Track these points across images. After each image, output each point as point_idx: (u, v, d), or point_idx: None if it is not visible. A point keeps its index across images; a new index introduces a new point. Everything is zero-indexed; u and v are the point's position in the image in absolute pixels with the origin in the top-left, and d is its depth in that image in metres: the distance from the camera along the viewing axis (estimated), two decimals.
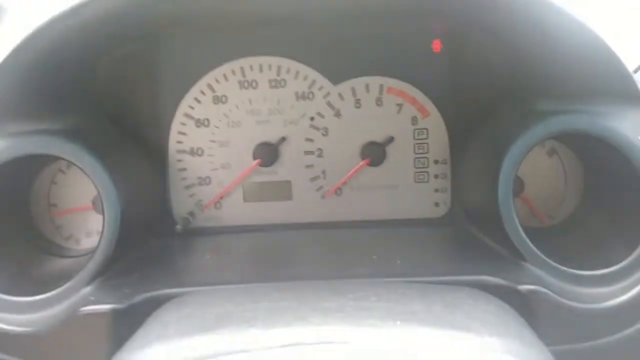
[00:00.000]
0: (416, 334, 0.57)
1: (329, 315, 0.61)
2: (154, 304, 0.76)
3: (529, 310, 0.78)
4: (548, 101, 0.92)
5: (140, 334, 0.65)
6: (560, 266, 0.85)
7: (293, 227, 1.13)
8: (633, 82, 0.87)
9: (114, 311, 0.79)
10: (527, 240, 0.87)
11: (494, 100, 1.06)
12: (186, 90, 1.11)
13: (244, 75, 1.11)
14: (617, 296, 0.82)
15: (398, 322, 0.59)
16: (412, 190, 1.14)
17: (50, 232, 1.08)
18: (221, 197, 1.13)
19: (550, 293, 0.81)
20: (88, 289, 0.85)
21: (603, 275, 0.84)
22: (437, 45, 1.10)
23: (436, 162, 1.13)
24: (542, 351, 0.60)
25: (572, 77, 0.89)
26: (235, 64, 1.11)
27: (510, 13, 0.89)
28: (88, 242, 1.08)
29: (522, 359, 0.56)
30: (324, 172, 1.13)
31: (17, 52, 0.83)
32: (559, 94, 0.91)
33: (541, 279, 0.84)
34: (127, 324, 0.76)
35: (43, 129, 0.90)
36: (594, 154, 1.00)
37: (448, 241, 1.07)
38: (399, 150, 1.13)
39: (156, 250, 1.02)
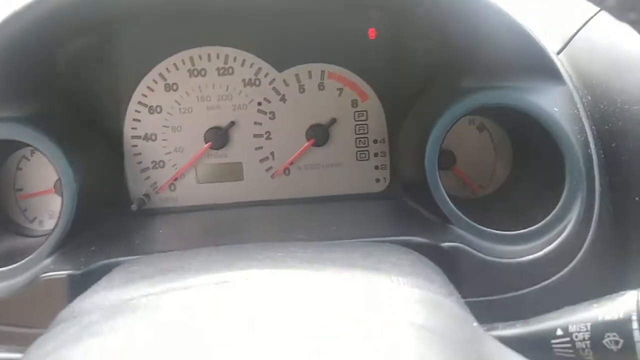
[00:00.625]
0: (327, 273, 0.64)
1: (254, 262, 0.68)
2: (108, 270, 0.83)
3: (451, 267, 0.84)
4: (471, 79, 1.00)
5: (90, 289, 0.73)
6: (481, 227, 0.93)
7: (245, 206, 1.20)
8: (549, 59, 0.95)
9: (71, 276, 0.86)
10: (451, 204, 0.94)
11: (426, 82, 1.14)
12: (140, 79, 1.18)
13: (193, 64, 1.19)
14: (534, 252, 0.90)
15: (315, 265, 0.66)
16: (354, 167, 1.22)
17: (16, 214, 1.15)
18: (175, 179, 1.20)
19: (471, 249, 0.89)
20: (48, 260, 0.92)
21: (521, 235, 0.92)
22: (372, 33, 1.19)
23: (375, 141, 1.21)
24: (446, 285, 0.68)
25: (494, 57, 0.97)
26: (185, 54, 1.18)
27: (437, 2, 0.98)
28: (51, 223, 1.15)
29: (428, 292, 0.63)
30: (272, 153, 1.21)
31: None
32: (482, 73, 0.99)
33: (464, 238, 0.91)
34: (83, 288, 0.82)
35: (7, 116, 0.97)
36: (519, 127, 1.09)
37: (385, 212, 1.15)
38: (341, 131, 1.21)
39: (113, 228, 1.08)
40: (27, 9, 0.90)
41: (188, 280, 0.64)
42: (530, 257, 0.90)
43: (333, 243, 0.84)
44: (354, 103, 1.21)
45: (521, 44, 0.95)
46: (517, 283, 0.90)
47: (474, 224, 0.93)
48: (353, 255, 0.73)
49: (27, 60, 0.99)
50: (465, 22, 0.98)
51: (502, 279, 0.90)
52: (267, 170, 1.21)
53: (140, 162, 1.20)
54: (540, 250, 0.90)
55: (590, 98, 0.95)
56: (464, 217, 0.94)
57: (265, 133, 1.21)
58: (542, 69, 0.95)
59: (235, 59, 1.19)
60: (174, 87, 1.19)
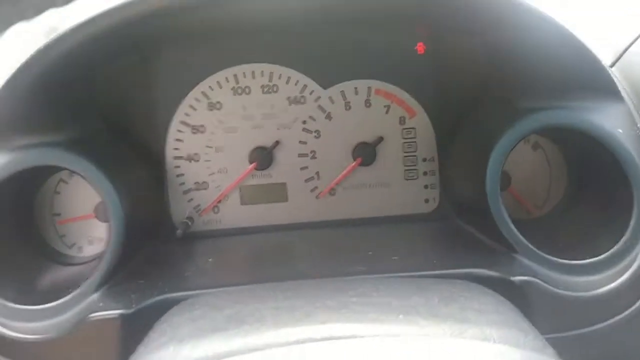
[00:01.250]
0: (418, 325, 0.60)
1: (333, 312, 0.64)
2: (161, 308, 0.79)
3: (522, 301, 0.81)
4: (528, 98, 0.96)
5: (153, 337, 0.68)
6: (550, 256, 0.88)
7: (290, 228, 1.17)
8: (608, 76, 0.90)
9: (122, 316, 0.82)
10: (517, 231, 0.90)
11: (477, 98, 1.10)
12: (182, 98, 1.14)
13: (237, 81, 1.14)
14: (606, 284, 0.86)
15: (400, 316, 0.62)
16: (402, 187, 1.18)
17: (54, 240, 1.10)
18: (219, 201, 1.16)
19: (542, 283, 0.84)
20: (95, 295, 0.88)
21: (592, 264, 0.87)
22: (421, 48, 1.15)
23: (424, 159, 1.17)
24: (538, 338, 0.64)
25: (550, 74, 0.93)
26: (228, 72, 1.14)
27: (487, 15, 0.93)
28: (90, 249, 1.11)
29: (520, 347, 0.59)
30: (317, 173, 1.17)
31: (23, 70, 0.85)
32: (538, 91, 0.95)
33: (532, 269, 0.87)
34: (135, 329, 0.78)
35: (46, 141, 0.93)
36: (576, 146, 1.04)
37: (439, 236, 1.11)
38: (389, 149, 1.17)
39: (158, 256, 1.04)
40: (70, 33, 0.85)
41: (267, 335, 0.60)
42: (603, 289, 0.86)
43: (401, 281, 0.79)
44: (402, 120, 1.16)
45: (579, 59, 0.90)
46: (591, 317, 0.86)
47: (541, 253, 0.89)
48: (433, 300, 0.69)
49: (66, 84, 0.95)
50: (518, 36, 0.93)
51: (575, 313, 0.86)
52: (312, 190, 1.17)
53: (182, 184, 1.16)
54: (613, 281, 0.86)
55: None
56: (530, 245, 0.90)
57: (310, 152, 1.17)
58: (600, 86, 0.91)
59: (280, 76, 1.15)
60: (218, 105, 1.15)
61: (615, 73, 0.93)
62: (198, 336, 0.63)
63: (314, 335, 0.58)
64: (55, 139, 0.94)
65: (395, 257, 0.93)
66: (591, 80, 0.91)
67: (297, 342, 0.58)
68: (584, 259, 0.88)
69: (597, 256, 0.88)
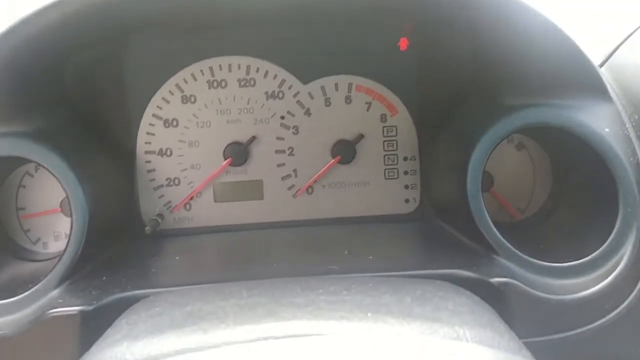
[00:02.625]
0: (387, 325, 0.57)
1: (299, 309, 0.60)
2: (123, 306, 0.75)
3: (502, 303, 0.78)
4: (513, 96, 0.93)
5: (109, 334, 0.65)
6: (531, 258, 0.86)
7: (265, 227, 1.13)
8: (597, 76, 0.88)
9: (82, 313, 0.78)
10: (498, 233, 0.87)
11: (461, 96, 1.07)
12: (154, 90, 1.10)
13: (212, 74, 1.11)
14: (588, 287, 0.83)
15: (369, 314, 0.59)
16: (382, 187, 1.14)
17: (19, 235, 1.06)
18: (191, 198, 1.12)
19: (522, 285, 0.81)
20: (56, 291, 0.84)
21: (574, 267, 0.85)
22: (404, 44, 1.11)
23: (405, 158, 1.14)
24: (514, 340, 0.61)
25: (537, 71, 0.90)
26: (203, 64, 1.10)
27: (472, 10, 0.89)
28: (56, 245, 1.07)
29: (494, 347, 0.56)
30: (295, 170, 1.13)
31: None
32: (525, 89, 0.92)
33: (513, 271, 0.84)
34: (95, 325, 0.75)
35: (11, 131, 0.88)
36: (561, 146, 1.02)
37: (418, 236, 1.08)
38: (369, 147, 1.13)
39: (125, 253, 1.00)
40: (34, 16, 0.81)
41: (226, 332, 0.56)
42: (585, 292, 0.83)
43: (375, 280, 0.75)
44: (383, 118, 1.13)
45: (568, 56, 0.87)
46: (573, 321, 0.83)
47: (522, 255, 0.86)
48: (405, 299, 0.65)
49: (32, 71, 0.91)
50: (506, 32, 0.90)
51: (556, 317, 0.83)
52: (289, 188, 1.14)
53: (153, 180, 1.12)
54: (596, 284, 0.83)
55: (637, 117, 0.87)
56: (511, 247, 0.87)
57: (288, 149, 1.13)
58: (588, 84, 0.88)
59: (257, 69, 1.11)
60: (192, 99, 1.11)
61: (604, 73, 0.91)
62: (153, 333, 0.59)
63: (276, 332, 0.55)
64: (20, 128, 0.90)
65: (371, 257, 0.90)
66: (579, 78, 0.88)
67: (257, 339, 0.54)
68: (567, 262, 0.86)
69: (581, 258, 0.85)
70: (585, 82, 0.88)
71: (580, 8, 1.07)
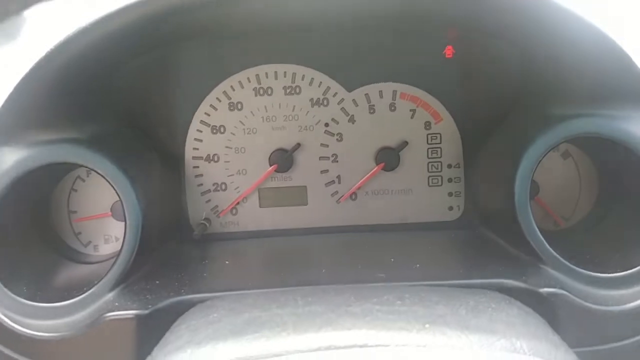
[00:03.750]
0: (446, 337, 0.57)
1: (357, 319, 0.61)
2: (177, 310, 0.77)
3: (550, 313, 0.78)
4: (562, 105, 0.93)
5: (170, 339, 0.66)
6: (579, 268, 0.85)
7: (309, 232, 1.14)
8: None
9: (138, 317, 0.80)
10: (545, 243, 0.87)
11: (507, 104, 1.07)
12: (202, 97, 1.12)
13: (259, 82, 1.12)
14: (636, 298, 0.82)
15: (426, 326, 0.59)
16: (426, 194, 1.15)
17: (70, 238, 1.09)
18: (237, 203, 1.14)
19: (571, 295, 0.81)
20: (111, 295, 0.86)
21: (622, 277, 0.85)
22: (449, 51, 1.11)
23: (449, 166, 1.14)
24: (568, 352, 0.61)
25: (586, 80, 0.90)
26: (250, 71, 1.12)
27: (521, 18, 0.89)
28: (106, 248, 1.10)
29: None
30: (338, 177, 1.14)
31: (41, 64, 0.83)
32: (573, 98, 0.92)
33: (560, 281, 0.84)
34: (150, 329, 0.77)
35: (65, 137, 0.91)
36: (608, 156, 1.01)
37: (463, 244, 1.08)
38: (413, 154, 1.14)
39: (175, 256, 1.02)
40: (89, 27, 0.84)
41: (288, 340, 0.57)
42: (634, 304, 0.82)
43: (425, 289, 0.76)
44: (427, 125, 1.14)
45: (617, 66, 0.86)
46: (620, 333, 0.83)
47: (570, 264, 0.86)
48: (460, 310, 0.66)
49: (86, 80, 0.94)
50: (555, 41, 0.90)
51: (603, 328, 0.82)
52: (332, 194, 1.15)
53: (201, 185, 1.14)
54: None
55: None
56: (558, 256, 0.86)
57: (332, 156, 1.14)
58: (638, 95, 0.87)
59: (303, 77, 1.12)
60: (239, 106, 1.13)
61: None
62: (216, 339, 0.61)
63: (337, 342, 0.56)
64: (74, 135, 0.92)
65: (418, 265, 0.90)
66: (628, 88, 0.87)
67: (320, 348, 0.55)
68: (614, 272, 0.85)
69: (627, 269, 0.85)
70: (634, 91, 0.87)
71: (628, 15, 1.06)
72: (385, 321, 0.61)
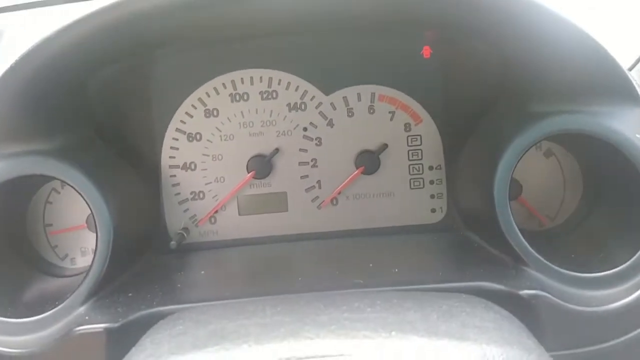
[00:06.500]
0: (411, 344, 0.55)
1: (322, 328, 0.60)
2: (148, 322, 0.75)
3: (531, 315, 0.77)
4: (542, 102, 0.91)
5: (134, 353, 0.65)
6: (561, 269, 0.84)
7: (289, 239, 1.12)
8: (628, 81, 0.86)
9: (108, 330, 0.78)
10: (526, 244, 0.86)
11: (487, 103, 1.05)
12: (177, 105, 1.11)
13: (235, 88, 1.11)
14: (620, 298, 0.81)
15: (393, 333, 0.58)
16: (407, 197, 1.13)
17: (47, 251, 1.07)
18: (215, 211, 1.12)
19: (552, 297, 0.79)
20: (82, 308, 0.84)
21: (605, 278, 0.83)
22: (427, 52, 1.10)
23: (431, 168, 1.12)
24: (542, 356, 0.59)
25: (565, 77, 0.88)
26: (225, 77, 1.10)
27: (499, 17, 0.88)
28: (83, 260, 1.08)
29: None
30: (319, 182, 1.13)
31: (9, 74, 0.82)
32: (553, 95, 0.90)
33: (542, 282, 0.82)
34: (121, 342, 0.75)
35: (36, 149, 0.90)
36: (592, 154, 0.99)
37: (445, 247, 1.06)
38: (393, 157, 1.12)
39: (151, 268, 1.01)
40: (57, 35, 0.82)
41: (248, 353, 0.56)
42: (618, 304, 0.81)
43: (399, 295, 0.74)
44: (407, 127, 1.12)
45: (596, 62, 0.85)
46: (604, 334, 0.81)
47: (551, 265, 0.84)
48: (431, 315, 0.64)
49: (56, 89, 0.91)
50: (534, 39, 0.88)
51: (587, 329, 0.81)
52: (313, 200, 1.13)
53: (178, 194, 1.12)
54: (628, 295, 0.81)
55: None
56: (540, 257, 0.85)
57: (311, 160, 1.12)
58: (618, 89, 0.86)
59: (279, 81, 1.11)
60: (215, 112, 1.11)
61: (634, 76, 0.89)
62: (177, 354, 0.59)
63: (298, 353, 0.54)
64: (45, 147, 0.91)
65: (396, 270, 0.88)
66: (608, 83, 0.86)
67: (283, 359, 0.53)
68: (597, 272, 0.84)
69: (611, 269, 0.83)
70: (615, 87, 0.86)
71: (606, 12, 1.05)
72: (350, 330, 0.59)
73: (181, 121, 1.11)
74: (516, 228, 0.86)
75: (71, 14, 0.83)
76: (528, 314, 0.76)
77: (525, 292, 0.79)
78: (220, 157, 1.12)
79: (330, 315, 0.64)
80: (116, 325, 0.79)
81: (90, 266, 0.87)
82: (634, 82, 0.87)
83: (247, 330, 0.61)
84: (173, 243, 1.07)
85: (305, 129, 1.12)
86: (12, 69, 0.83)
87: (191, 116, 1.11)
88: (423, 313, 0.64)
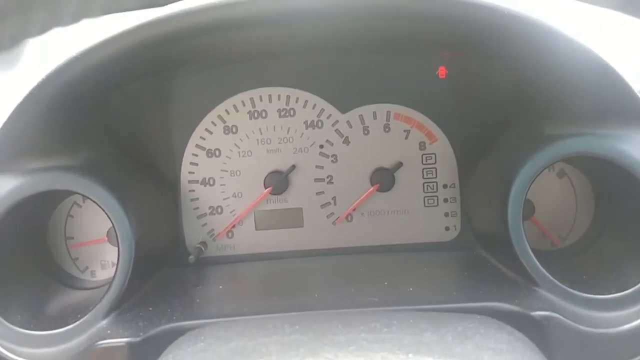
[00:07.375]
0: None
1: (341, 349, 0.61)
2: (169, 337, 0.78)
3: (543, 337, 0.78)
4: (555, 125, 0.92)
5: None
6: (573, 290, 0.85)
7: (305, 254, 1.14)
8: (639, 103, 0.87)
9: (130, 344, 0.80)
10: (539, 264, 0.87)
11: (501, 123, 1.06)
12: (198, 121, 1.13)
13: (253, 105, 1.13)
14: (631, 320, 0.82)
15: (410, 355, 0.59)
16: (422, 214, 1.14)
17: (67, 264, 1.10)
18: (233, 226, 1.14)
19: (564, 318, 0.80)
20: (104, 322, 0.86)
21: (617, 299, 0.84)
22: (442, 72, 1.11)
23: (445, 186, 1.14)
24: None
25: (578, 100, 0.90)
26: (245, 95, 1.13)
27: (513, 39, 0.89)
28: (103, 273, 1.10)
29: None
30: (334, 198, 1.14)
31: (35, 92, 0.85)
32: (566, 117, 0.91)
33: (554, 304, 0.83)
34: (142, 357, 0.77)
35: (59, 164, 0.92)
36: (604, 175, 1.01)
37: (459, 266, 1.07)
38: (408, 175, 1.14)
39: (170, 282, 1.03)
40: (83, 55, 0.85)
41: None
42: (629, 325, 0.82)
43: (415, 315, 0.75)
44: (422, 145, 1.14)
45: (609, 85, 0.86)
46: (616, 356, 0.82)
47: (563, 287, 0.85)
48: (446, 337, 0.65)
49: (80, 107, 0.94)
50: (548, 62, 0.89)
51: (598, 350, 0.81)
52: (328, 216, 1.15)
53: (197, 208, 1.14)
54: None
55: None
56: (552, 278, 0.86)
57: (327, 177, 1.14)
58: (631, 112, 0.87)
59: (297, 100, 1.13)
60: (234, 129, 1.13)
61: None
62: None
63: None
64: (68, 162, 0.93)
65: (411, 289, 0.90)
66: (621, 106, 0.87)
67: None
68: (609, 294, 0.85)
69: (623, 291, 0.84)
70: (628, 110, 0.87)
71: (617, 33, 1.06)
72: (368, 351, 0.60)
73: (201, 137, 1.13)
74: (529, 249, 0.88)
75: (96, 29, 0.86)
76: (539, 335, 0.77)
77: (538, 313, 0.80)
78: (238, 172, 1.14)
79: (348, 335, 0.65)
80: (138, 339, 0.80)
81: (112, 280, 0.90)
82: None
83: (267, 349, 0.63)
84: (192, 257, 1.09)
85: (321, 146, 1.14)
86: (39, 87, 0.86)
87: (211, 132, 1.13)
88: (439, 335, 0.66)
